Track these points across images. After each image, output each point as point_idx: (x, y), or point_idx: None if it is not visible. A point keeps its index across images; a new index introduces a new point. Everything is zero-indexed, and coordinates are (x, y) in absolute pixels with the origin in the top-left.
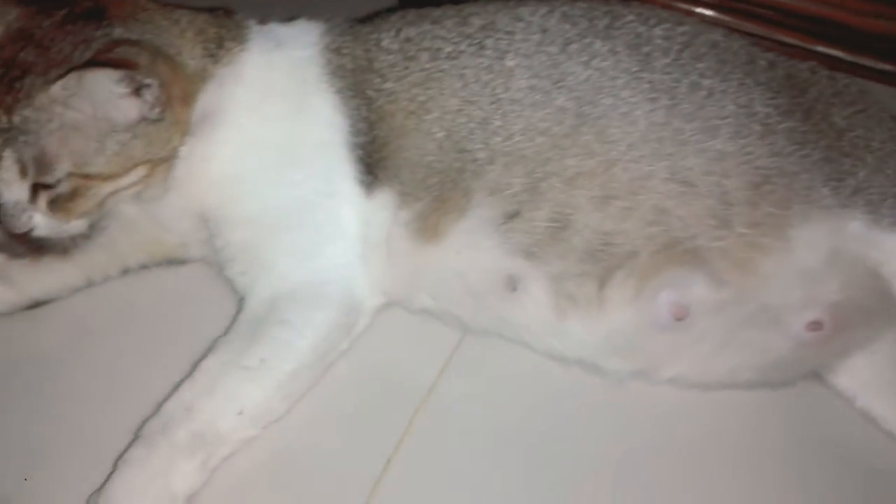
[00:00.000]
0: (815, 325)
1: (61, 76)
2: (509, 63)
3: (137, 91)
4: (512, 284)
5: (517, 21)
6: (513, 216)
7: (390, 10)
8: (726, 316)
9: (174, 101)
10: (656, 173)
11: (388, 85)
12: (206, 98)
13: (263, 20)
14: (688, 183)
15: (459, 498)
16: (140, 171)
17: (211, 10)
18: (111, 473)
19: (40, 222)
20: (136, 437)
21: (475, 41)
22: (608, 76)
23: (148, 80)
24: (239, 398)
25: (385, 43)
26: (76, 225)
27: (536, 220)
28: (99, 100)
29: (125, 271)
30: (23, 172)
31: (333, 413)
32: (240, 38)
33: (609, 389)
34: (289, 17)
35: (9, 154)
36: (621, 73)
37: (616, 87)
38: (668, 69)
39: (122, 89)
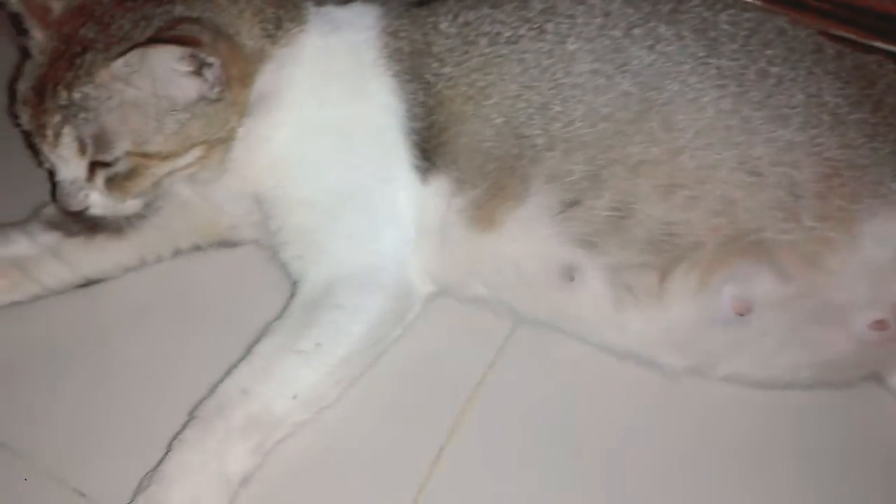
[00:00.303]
0: (880, 325)
1: (123, 53)
2: (570, 47)
3: (198, 70)
4: (569, 274)
5: (578, 4)
6: (572, 204)
7: None
8: (789, 312)
9: (233, 82)
10: (724, 162)
11: (446, 69)
12: (264, 79)
13: (320, 1)
14: (756, 173)
15: (510, 489)
16: (197, 152)
17: None
18: (166, 454)
19: (96, 201)
20: (191, 417)
21: (535, 25)
22: (674, 61)
23: (210, 59)
24: (294, 382)
25: (443, 26)
26: (131, 204)
27: (597, 209)
28: (160, 77)
29: (177, 252)
30: (81, 150)
31: (385, 402)
32: (298, 19)
33: (663, 384)
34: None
35: (68, 131)
36: (687, 59)
37: (682, 72)
38: (736, 55)
39: (184, 67)
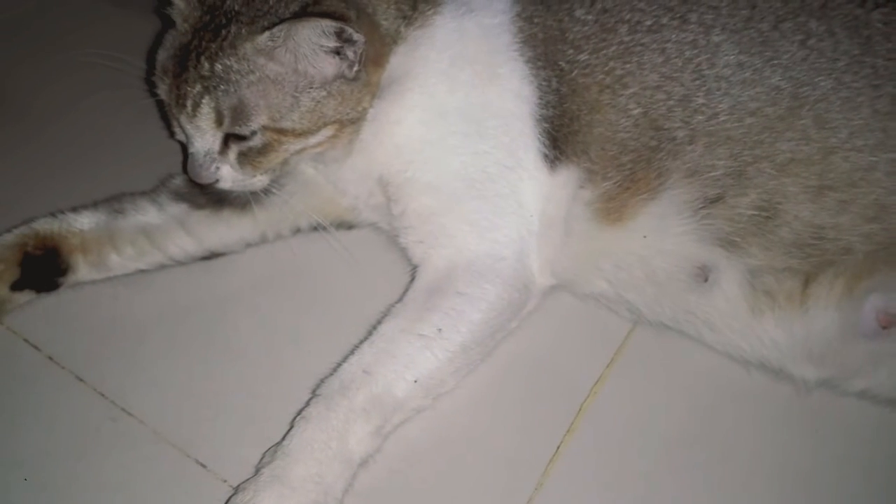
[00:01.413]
0: None
1: (270, 27)
2: (715, 38)
3: (339, 48)
4: (703, 275)
5: None
6: (714, 201)
7: None
8: None
9: (368, 62)
10: (879, 165)
11: (582, 57)
12: (397, 61)
13: None
14: None
15: (624, 490)
16: (328, 131)
17: None
18: (289, 430)
19: (226, 174)
20: (314, 395)
21: (677, 15)
22: (827, 57)
23: (356, 36)
24: (415, 365)
25: (579, 13)
26: (259, 180)
27: (740, 207)
28: (302, 53)
29: (296, 231)
30: (218, 122)
31: (503, 396)
32: (433, 1)
33: (792, 397)
34: None
35: (207, 102)
36: (841, 56)
37: (836, 69)
38: (892, 55)
39: (328, 43)
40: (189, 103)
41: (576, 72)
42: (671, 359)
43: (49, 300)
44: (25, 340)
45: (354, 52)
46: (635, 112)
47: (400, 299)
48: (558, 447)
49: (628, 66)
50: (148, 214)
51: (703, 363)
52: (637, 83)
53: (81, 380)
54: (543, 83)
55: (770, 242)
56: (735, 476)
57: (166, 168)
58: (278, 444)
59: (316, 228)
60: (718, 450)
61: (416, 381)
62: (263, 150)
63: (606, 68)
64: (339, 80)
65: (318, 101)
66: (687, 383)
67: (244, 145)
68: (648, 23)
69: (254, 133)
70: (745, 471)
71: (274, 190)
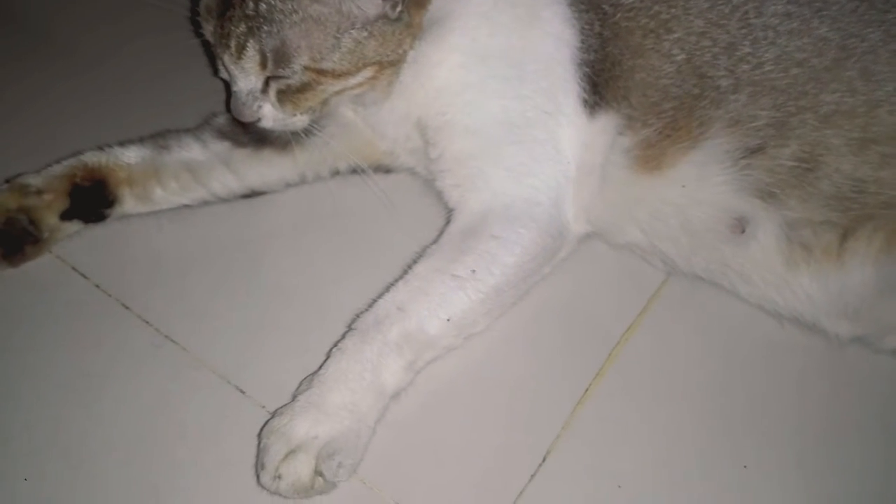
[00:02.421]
0: None
1: None
2: None
3: None
4: (740, 226)
5: None
6: (754, 151)
7: None
8: None
9: (411, 3)
10: None
11: (626, 0)
12: (439, 3)
13: None
14: None
15: (650, 436)
16: (368, 72)
17: None
18: (325, 360)
19: (268, 113)
20: (350, 329)
21: None
22: (877, 9)
23: None
24: (448, 305)
25: None
26: (299, 120)
27: (781, 158)
28: None
29: (335, 173)
30: (262, 62)
31: (534, 340)
32: None
33: (825, 352)
34: None
35: (252, 43)
36: (892, 7)
37: (886, 21)
38: None
39: None
40: (233, 43)
41: (619, 15)
42: (703, 310)
43: (96, 231)
44: (73, 269)
45: None
46: (679, 58)
47: (435, 241)
48: (587, 390)
49: (673, 10)
50: (192, 151)
51: (736, 315)
52: (682, 28)
53: (127, 307)
54: (586, 26)
55: (809, 195)
56: (762, 428)
57: (211, 106)
58: (315, 373)
59: (354, 171)
60: (747, 402)
61: (448, 320)
62: (303, 89)
63: (651, 12)
64: (381, 20)
65: (359, 42)
66: (719, 335)
67: (284, 83)
68: None
69: (294, 73)
70: (773, 423)
71: (314, 131)
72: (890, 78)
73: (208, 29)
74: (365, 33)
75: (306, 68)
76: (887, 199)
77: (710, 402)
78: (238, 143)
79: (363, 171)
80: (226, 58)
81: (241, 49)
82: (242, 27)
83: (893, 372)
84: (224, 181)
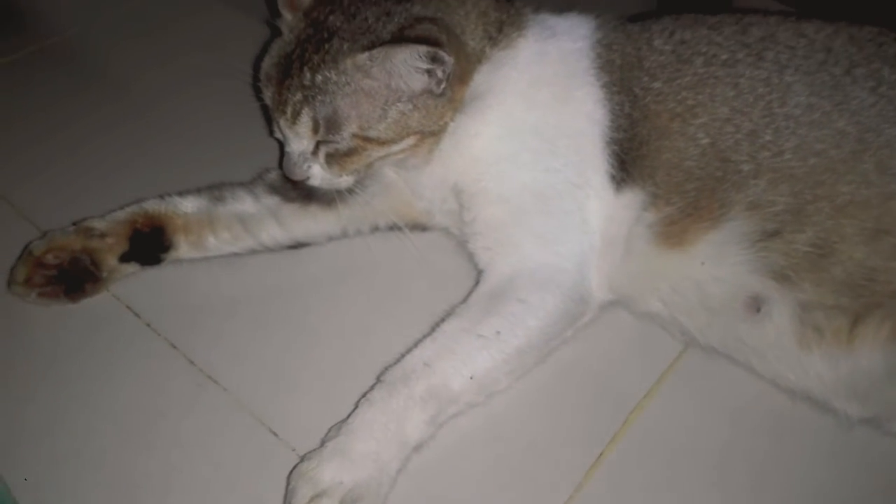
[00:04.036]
0: None
1: (370, 47)
2: (788, 78)
3: (430, 69)
4: (755, 305)
5: (800, 37)
6: (772, 235)
7: (652, 13)
8: None
9: (454, 79)
10: None
11: (656, 84)
12: (480, 79)
13: (537, 8)
14: None
15: None
16: (411, 140)
17: None
18: (353, 409)
19: (316, 173)
20: (379, 381)
21: (754, 51)
22: (895, 105)
23: (447, 58)
24: (472, 363)
25: (657, 43)
26: (345, 180)
27: (797, 243)
28: (397, 72)
29: (375, 229)
30: (315, 128)
31: (552, 401)
32: (518, 24)
33: (835, 430)
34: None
35: (307, 111)
36: None
37: None
38: None
39: (422, 65)
40: (290, 110)
41: (649, 98)
42: (719, 382)
43: (151, 273)
44: (128, 307)
45: (443, 72)
46: (704, 142)
47: (464, 300)
48: (601, 455)
49: (700, 96)
50: (245, 203)
51: (750, 389)
52: (707, 114)
53: (174, 347)
54: (616, 107)
55: (822, 280)
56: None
57: (264, 162)
58: (343, 421)
59: (392, 228)
60: (758, 475)
61: (472, 378)
62: (350, 153)
63: (679, 97)
64: (425, 94)
65: (405, 114)
66: (733, 407)
67: (332, 147)
68: (724, 56)
69: (343, 139)
70: (782, 499)
71: (357, 190)
72: None
73: (267, 94)
74: (410, 106)
75: (354, 135)
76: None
77: (721, 473)
78: (287, 198)
79: (400, 228)
80: (282, 122)
81: (297, 115)
82: (299, 95)
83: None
84: (272, 233)
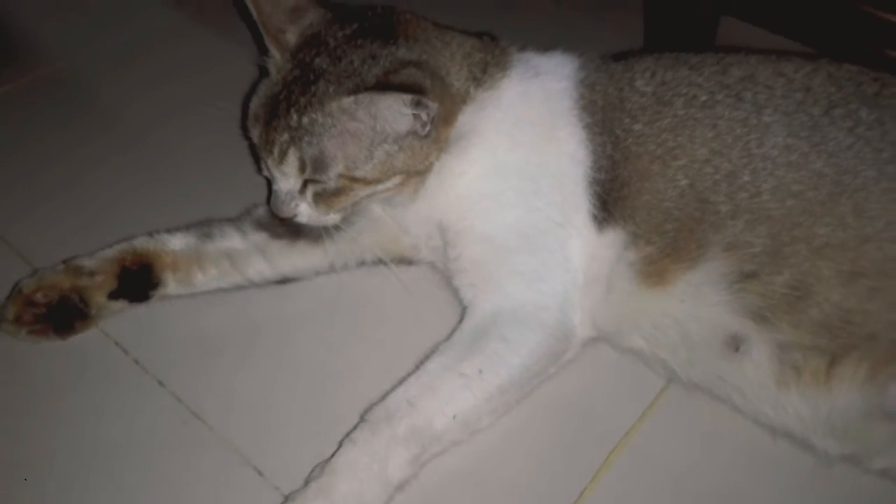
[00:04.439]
0: None
1: (355, 91)
2: (766, 118)
3: (414, 113)
4: (734, 344)
5: (779, 76)
6: (749, 276)
7: (639, 51)
8: None
9: (439, 121)
10: None
11: (637, 126)
12: (464, 119)
13: (522, 46)
14: None
15: None
16: (397, 180)
17: (478, 35)
18: (337, 449)
19: (304, 211)
20: (362, 420)
21: (732, 92)
22: (873, 147)
23: (431, 103)
24: (455, 402)
25: (639, 84)
26: (332, 217)
27: (774, 285)
28: (382, 116)
29: (361, 264)
30: (301, 168)
31: (535, 437)
32: (502, 64)
33: (815, 468)
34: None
35: (293, 151)
36: (887, 146)
37: (880, 160)
38: None
39: (406, 110)
40: (276, 150)
41: (630, 140)
42: (701, 418)
43: (140, 310)
44: (116, 343)
45: (427, 115)
46: (682, 183)
47: (448, 338)
48: (582, 493)
49: (680, 138)
50: (232, 240)
51: (732, 426)
52: (686, 155)
53: (161, 384)
54: (598, 148)
55: (800, 321)
56: None
57: (252, 195)
58: (327, 460)
59: (379, 262)
60: None
61: (454, 417)
62: (337, 192)
63: (659, 139)
64: (410, 136)
65: (390, 155)
66: (714, 444)
67: (319, 187)
68: (703, 98)
69: (330, 179)
70: None
71: (344, 226)
72: (880, 215)
73: (255, 134)
74: (396, 147)
75: (341, 175)
76: (872, 330)
77: None
78: (275, 234)
79: (386, 263)
80: (269, 161)
81: (283, 155)
82: (286, 136)
83: (880, 491)
84: (259, 269)
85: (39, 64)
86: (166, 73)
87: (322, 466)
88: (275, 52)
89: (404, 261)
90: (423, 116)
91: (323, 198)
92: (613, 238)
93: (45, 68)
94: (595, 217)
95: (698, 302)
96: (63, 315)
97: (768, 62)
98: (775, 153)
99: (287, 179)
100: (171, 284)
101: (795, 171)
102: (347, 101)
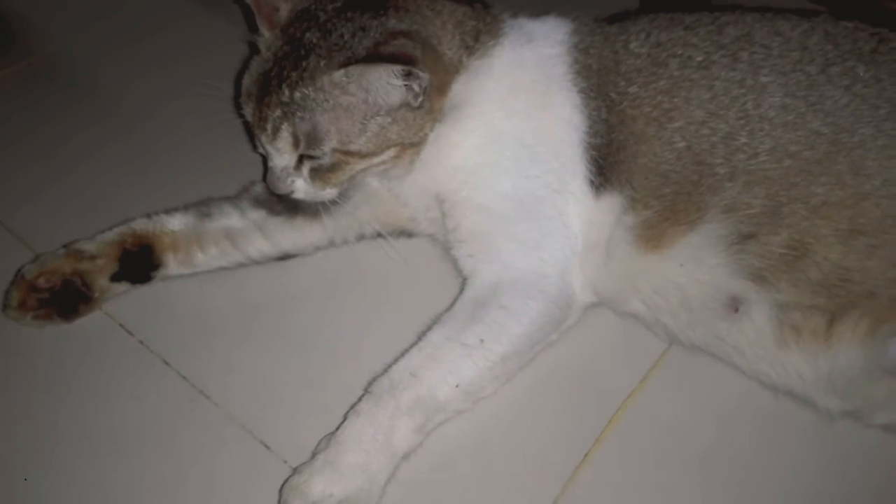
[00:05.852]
0: None
1: (345, 64)
2: (763, 79)
3: (406, 84)
4: (733, 305)
5: (775, 35)
6: (747, 237)
7: (634, 12)
8: None
9: (432, 91)
10: None
11: (632, 89)
12: (459, 88)
13: (515, 13)
14: None
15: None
16: (391, 152)
17: (470, 3)
18: (342, 421)
19: (300, 187)
20: (366, 392)
21: (729, 52)
22: (870, 104)
23: (423, 74)
24: (457, 372)
25: (633, 46)
26: (328, 193)
27: (772, 245)
28: (373, 88)
29: (361, 238)
30: (295, 144)
31: (538, 403)
32: (495, 31)
33: (817, 425)
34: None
35: (286, 127)
36: (884, 104)
37: (877, 117)
38: None
39: (397, 81)
40: (269, 126)
41: (625, 103)
42: (702, 379)
43: (142, 291)
44: (120, 325)
45: (419, 86)
46: (679, 145)
47: (448, 308)
48: (586, 455)
49: (676, 100)
50: (231, 219)
51: (734, 386)
52: (683, 117)
53: (167, 363)
54: (594, 113)
55: (798, 280)
56: (756, 497)
57: (249, 175)
58: (332, 433)
59: (378, 236)
60: (742, 472)
61: (457, 386)
62: (332, 167)
63: (654, 101)
64: (404, 107)
65: (384, 127)
66: (716, 404)
67: (315, 163)
68: (699, 59)
69: (324, 154)
70: (767, 494)
71: (341, 201)
72: (878, 172)
73: (248, 111)
74: (389, 119)
75: (335, 150)
76: (871, 287)
77: (707, 470)
78: (273, 211)
79: (385, 236)
80: (263, 138)
81: (277, 131)
82: (278, 112)
83: (882, 446)
84: (259, 246)
85: (34, 49)
86: (161, 55)
87: (328, 439)
88: (265, 30)
89: (403, 233)
90: (416, 87)
91: (319, 173)
92: (611, 203)
93: (39, 53)
94: (592, 182)
95: (697, 264)
96: (67, 299)
97: (764, 20)
98: (772, 114)
99: (281, 155)
100: (172, 265)
101: (792, 131)
102: (338, 74)
